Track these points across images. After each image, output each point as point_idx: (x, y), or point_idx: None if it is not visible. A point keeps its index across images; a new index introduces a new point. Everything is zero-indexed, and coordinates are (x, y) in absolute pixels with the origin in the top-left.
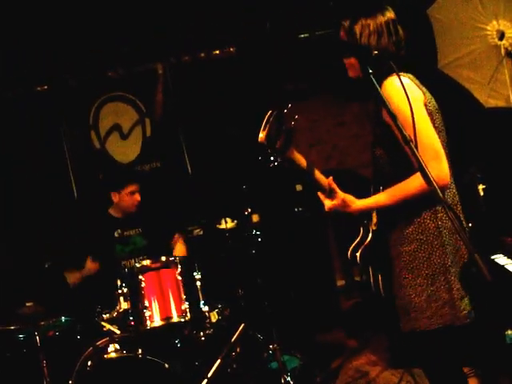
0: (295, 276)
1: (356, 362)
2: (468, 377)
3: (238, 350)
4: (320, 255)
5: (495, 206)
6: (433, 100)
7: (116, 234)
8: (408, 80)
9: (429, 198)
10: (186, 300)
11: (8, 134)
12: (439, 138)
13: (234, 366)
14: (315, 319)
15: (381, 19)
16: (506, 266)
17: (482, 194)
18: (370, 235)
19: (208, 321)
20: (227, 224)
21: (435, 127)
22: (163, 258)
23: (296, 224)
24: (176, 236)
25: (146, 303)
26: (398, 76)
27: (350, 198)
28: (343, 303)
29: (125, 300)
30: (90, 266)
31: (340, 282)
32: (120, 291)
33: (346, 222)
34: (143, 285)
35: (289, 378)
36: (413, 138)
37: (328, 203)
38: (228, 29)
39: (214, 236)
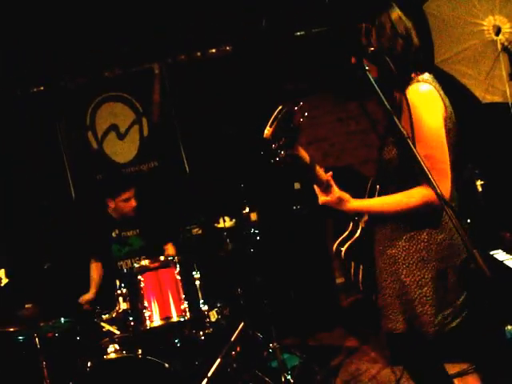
0: (294, 274)
1: (356, 359)
2: (468, 373)
3: (237, 349)
4: (319, 253)
5: (494, 202)
6: (452, 114)
7: (113, 234)
8: (432, 88)
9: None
10: (186, 299)
11: (5, 135)
12: (454, 151)
13: (234, 365)
14: (315, 317)
15: (386, 15)
16: (505, 262)
17: (480, 189)
18: (359, 232)
19: (207, 320)
20: (226, 223)
21: (451, 143)
22: (162, 258)
23: (294, 222)
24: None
25: (146, 303)
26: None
27: (345, 196)
28: (343, 301)
29: (124, 300)
30: (96, 272)
31: (339, 280)
32: (119, 291)
33: (345, 219)
34: (142, 285)
35: (289, 377)
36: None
37: (322, 198)
38: (224, 27)
39: (213, 235)
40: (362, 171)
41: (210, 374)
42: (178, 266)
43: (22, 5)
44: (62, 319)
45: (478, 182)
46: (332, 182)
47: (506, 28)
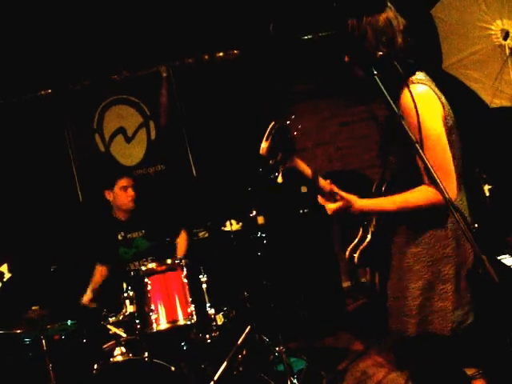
0: (301, 278)
1: (362, 363)
2: (474, 378)
3: (244, 352)
4: (325, 257)
5: (501, 207)
6: (451, 111)
7: (119, 237)
8: (427, 87)
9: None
10: (192, 303)
11: (13, 139)
12: (457, 151)
13: (241, 368)
14: (321, 321)
15: (385, 17)
16: None
17: (487, 194)
18: (369, 236)
19: (214, 323)
20: (232, 226)
21: (452, 142)
22: (169, 261)
23: (301, 226)
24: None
25: (152, 306)
26: (408, 87)
27: (352, 197)
28: (349, 305)
29: (131, 303)
30: (98, 273)
31: (346, 284)
32: (126, 294)
33: (352, 223)
34: (149, 288)
35: (295, 381)
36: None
37: (331, 206)
38: (232, 31)
39: (220, 238)
40: (368, 175)
41: (216, 378)
42: (185, 269)
43: (31, 8)
44: (69, 321)
45: (486, 187)
46: (335, 189)
47: None
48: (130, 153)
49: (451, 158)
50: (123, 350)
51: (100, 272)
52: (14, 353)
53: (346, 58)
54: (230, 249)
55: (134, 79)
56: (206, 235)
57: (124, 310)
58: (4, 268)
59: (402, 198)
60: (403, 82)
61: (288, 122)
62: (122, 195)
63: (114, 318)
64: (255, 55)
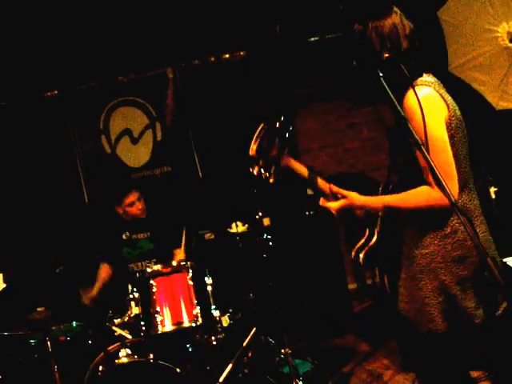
0: (307, 280)
1: (368, 365)
2: (481, 380)
3: (249, 354)
4: (331, 259)
5: (507, 209)
6: (457, 111)
7: (124, 237)
8: (431, 89)
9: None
10: (198, 305)
11: (20, 140)
12: (462, 151)
13: (246, 370)
14: (327, 323)
15: (390, 22)
16: None
17: (493, 196)
18: (375, 237)
19: (219, 325)
20: (238, 228)
21: (456, 143)
22: (174, 263)
23: (307, 227)
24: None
25: (158, 308)
26: (413, 89)
27: (352, 194)
28: (355, 307)
29: (136, 305)
30: (105, 271)
31: (352, 286)
32: (131, 296)
33: (358, 225)
34: (154, 290)
35: (301, 383)
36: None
37: (333, 204)
38: (238, 33)
39: (226, 240)
40: (375, 177)
41: (221, 380)
42: (190, 271)
43: (37, 10)
44: (74, 323)
45: (492, 189)
46: (336, 189)
47: None
48: (136, 154)
49: (453, 161)
50: (128, 351)
51: (105, 271)
52: (20, 354)
53: (355, 63)
54: (235, 251)
55: (141, 81)
56: (212, 237)
57: (129, 312)
58: None
59: (402, 197)
60: (408, 84)
61: (278, 124)
62: (131, 210)
63: (119, 320)
64: (261, 57)
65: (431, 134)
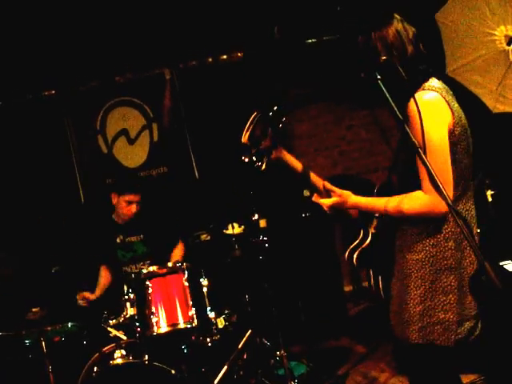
0: (302, 282)
1: (363, 368)
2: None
3: (244, 356)
4: (327, 261)
5: (504, 212)
6: (463, 118)
7: (118, 240)
8: (436, 94)
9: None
10: (193, 306)
11: (16, 139)
12: (464, 160)
13: (241, 372)
14: (323, 325)
15: (393, 29)
16: None
17: (490, 199)
18: (369, 238)
19: (215, 327)
20: (234, 229)
21: (458, 151)
22: (170, 264)
23: (303, 229)
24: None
25: (153, 309)
26: (411, 91)
27: (346, 192)
28: (350, 309)
29: (131, 306)
30: (105, 275)
31: (347, 288)
32: (127, 297)
33: (354, 227)
34: (150, 291)
35: None
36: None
37: (326, 201)
38: (235, 33)
39: (221, 241)
40: (371, 179)
41: (216, 381)
42: (186, 272)
43: (35, 9)
44: (69, 323)
45: (489, 192)
46: (330, 186)
47: None
48: (133, 155)
49: (450, 168)
50: (123, 352)
51: (104, 274)
52: (14, 354)
53: (363, 75)
54: (231, 252)
55: (138, 81)
56: (208, 238)
57: (124, 313)
58: None
59: (396, 200)
60: (411, 87)
61: (271, 113)
62: (124, 207)
63: (114, 321)
64: (259, 58)
65: (429, 138)
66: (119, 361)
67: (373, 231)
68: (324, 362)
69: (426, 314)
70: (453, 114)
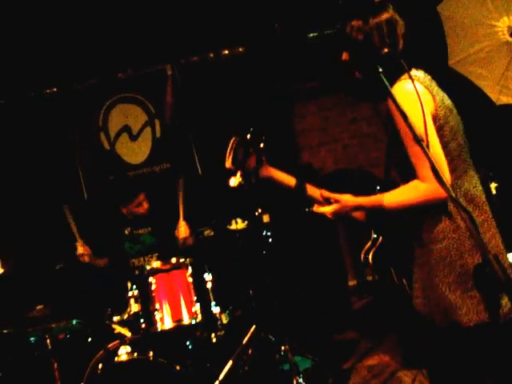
0: (307, 276)
1: (368, 362)
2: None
3: (249, 351)
4: (331, 255)
5: (508, 204)
6: (445, 100)
7: (126, 232)
8: (410, 85)
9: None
10: (197, 302)
11: (18, 137)
12: (456, 139)
13: (246, 367)
14: (327, 319)
15: (388, 16)
16: None
17: (494, 192)
18: (381, 237)
19: (219, 322)
20: (238, 225)
21: (446, 134)
22: (173, 260)
23: (307, 224)
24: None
25: (157, 305)
26: (411, 78)
27: (345, 196)
28: (355, 303)
29: (135, 302)
30: (81, 250)
31: (352, 282)
32: (130, 293)
33: (358, 223)
34: (154, 287)
35: (301, 380)
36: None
37: (327, 209)
38: (236, 29)
39: (225, 237)
40: (374, 173)
41: (221, 377)
42: (189, 267)
43: (36, 8)
44: (74, 320)
45: (492, 185)
46: (328, 194)
47: None
48: (136, 151)
49: (441, 152)
50: (128, 349)
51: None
52: (20, 352)
53: (345, 56)
54: (235, 247)
55: (139, 77)
56: (211, 234)
57: (129, 310)
58: None
59: (394, 194)
60: (394, 79)
61: (248, 136)
62: (137, 210)
63: (118, 318)
64: (260, 53)
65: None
66: (124, 357)
67: (383, 229)
68: (329, 357)
69: (468, 296)
70: (433, 97)
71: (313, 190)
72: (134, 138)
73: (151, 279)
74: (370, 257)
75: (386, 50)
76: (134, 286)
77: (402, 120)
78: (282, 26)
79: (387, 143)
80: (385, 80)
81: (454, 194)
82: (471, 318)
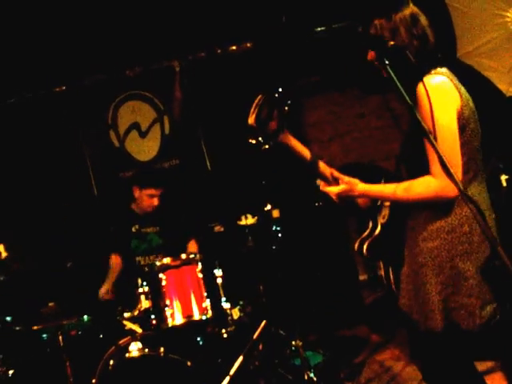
0: (317, 271)
1: (379, 357)
2: (494, 371)
3: (260, 346)
4: (341, 250)
5: None
6: (470, 102)
7: (133, 229)
8: (444, 78)
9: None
10: (208, 297)
11: (28, 135)
12: (473, 142)
13: (257, 362)
14: (338, 314)
15: (400, 15)
16: None
17: (504, 184)
18: (379, 228)
19: (230, 318)
20: (248, 220)
21: (468, 133)
22: (183, 256)
23: (317, 219)
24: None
25: (167, 301)
26: (423, 81)
27: (354, 180)
28: (366, 298)
29: (146, 298)
30: (115, 262)
31: (362, 277)
32: (141, 290)
33: (368, 216)
34: (164, 283)
35: (312, 375)
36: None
37: (333, 189)
38: (244, 24)
39: (235, 232)
40: (385, 167)
41: (232, 372)
42: (199, 263)
43: (45, 5)
44: (85, 317)
45: (503, 177)
46: (337, 174)
47: None
48: (145, 148)
49: (459, 151)
50: (139, 345)
51: (115, 262)
52: (32, 349)
53: (370, 56)
54: (245, 243)
55: (148, 74)
56: (222, 229)
57: (139, 306)
58: (1, 248)
59: (404, 187)
60: (419, 73)
61: (275, 96)
62: (146, 200)
63: (129, 314)
64: (268, 48)
65: (438, 122)
66: (135, 353)
67: (382, 221)
68: (340, 351)
69: (449, 300)
70: (461, 96)
71: (324, 167)
72: (143, 134)
73: (161, 275)
74: (365, 247)
75: (391, 43)
76: (145, 283)
77: (436, 114)
78: (289, 20)
79: (404, 137)
80: (392, 73)
81: (462, 187)
82: (446, 323)
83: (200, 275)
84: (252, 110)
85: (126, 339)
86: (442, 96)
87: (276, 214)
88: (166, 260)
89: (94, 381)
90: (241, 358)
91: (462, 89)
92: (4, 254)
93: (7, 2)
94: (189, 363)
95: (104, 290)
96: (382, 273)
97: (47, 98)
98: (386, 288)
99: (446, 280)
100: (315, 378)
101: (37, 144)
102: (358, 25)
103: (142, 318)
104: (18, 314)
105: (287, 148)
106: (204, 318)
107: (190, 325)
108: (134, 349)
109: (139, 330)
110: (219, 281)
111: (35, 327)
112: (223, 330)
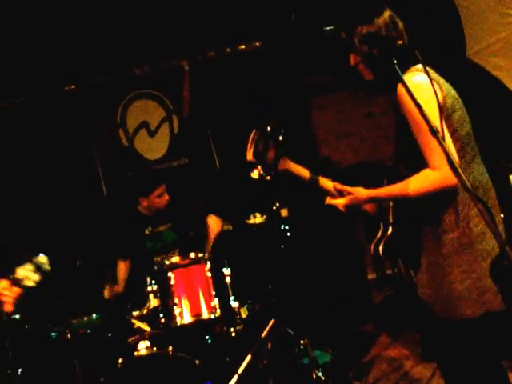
0: (326, 270)
1: (388, 355)
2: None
3: (268, 345)
4: (350, 249)
5: None
6: (451, 91)
7: (147, 231)
8: (422, 75)
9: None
10: (216, 296)
11: (37, 135)
12: (463, 128)
13: (265, 361)
14: (347, 313)
15: (382, 19)
16: None
17: None
18: (390, 228)
19: (238, 317)
20: (256, 219)
21: (454, 122)
22: (192, 255)
23: (326, 218)
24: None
25: (176, 300)
26: (425, 68)
27: (357, 189)
28: (375, 297)
29: (155, 297)
30: (122, 269)
31: (371, 276)
32: (150, 288)
33: (377, 218)
34: (173, 282)
35: (320, 374)
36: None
37: (340, 201)
38: (253, 23)
39: (244, 231)
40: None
41: (240, 371)
42: (208, 262)
43: (53, 5)
44: (94, 315)
45: (511, 177)
46: (340, 186)
47: None
48: (154, 147)
49: (450, 141)
50: (147, 343)
51: (123, 269)
52: (41, 347)
53: (353, 60)
54: (253, 242)
55: (156, 73)
56: (230, 228)
57: (148, 304)
58: (44, 260)
59: (404, 184)
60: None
61: (268, 129)
62: (158, 202)
63: (137, 312)
64: (277, 47)
65: (417, 116)
66: (143, 352)
67: (392, 221)
68: (349, 350)
69: (475, 286)
70: (440, 87)
71: (326, 183)
72: (152, 133)
73: (170, 274)
74: (381, 248)
75: (400, 42)
76: (154, 281)
77: (412, 110)
78: (298, 19)
79: (395, 136)
80: (399, 71)
81: (469, 186)
82: (477, 308)
83: (209, 274)
84: (249, 146)
85: (134, 338)
86: (422, 92)
87: (284, 212)
88: (175, 259)
89: (102, 379)
90: (249, 357)
91: (441, 80)
92: (48, 268)
93: (18, 2)
94: (197, 362)
95: (111, 292)
96: (402, 270)
97: (56, 98)
98: (407, 284)
99: (469, 267)
100: (323, 377)
101: (46, 143)
102: (340, 30)
103: (150, 317)
104: (27, 313)
105: (288, 173)
106: (212, 316)
107: (199, 324)
108: (143, 347)
109: (148, 329)
110: (228, 280)
111: (44, 325)
112: (232, 329)
